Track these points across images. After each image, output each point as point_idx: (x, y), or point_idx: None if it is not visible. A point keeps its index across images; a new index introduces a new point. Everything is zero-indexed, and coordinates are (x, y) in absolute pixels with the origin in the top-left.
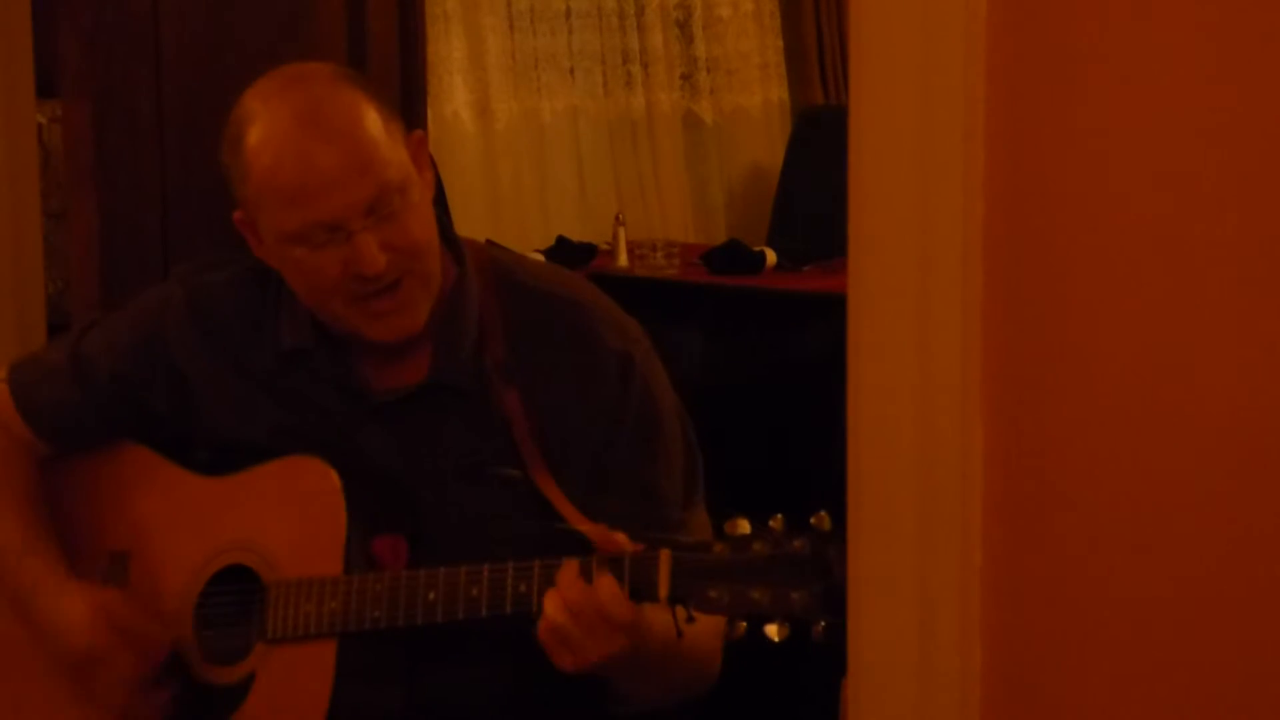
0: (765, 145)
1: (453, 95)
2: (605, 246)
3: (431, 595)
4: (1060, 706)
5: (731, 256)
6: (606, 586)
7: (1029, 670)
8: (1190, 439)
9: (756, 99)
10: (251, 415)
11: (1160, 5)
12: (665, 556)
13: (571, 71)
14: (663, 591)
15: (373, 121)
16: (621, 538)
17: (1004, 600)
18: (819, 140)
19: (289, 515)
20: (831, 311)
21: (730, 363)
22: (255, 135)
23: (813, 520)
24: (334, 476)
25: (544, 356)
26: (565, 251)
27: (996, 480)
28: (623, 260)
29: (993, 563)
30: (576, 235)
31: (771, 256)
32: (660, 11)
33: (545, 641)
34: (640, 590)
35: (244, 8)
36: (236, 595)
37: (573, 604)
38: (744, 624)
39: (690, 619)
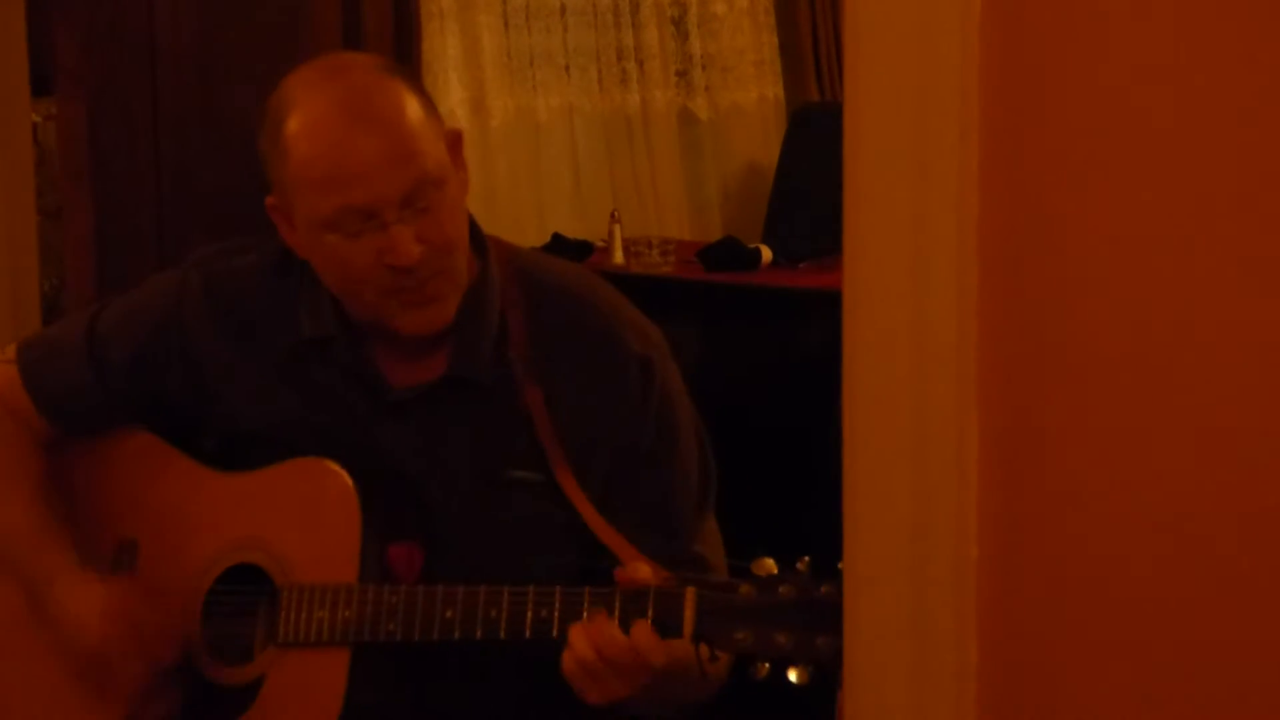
0: (760, 142)
1: (448, 93)
2: (601, 244)
3: (449, 613)
4: (1057, 703)
5: (727, 253)
6: (643, 635)
7: (1025, 666)
8: (1188, 432)
9: (752, 96)
10: (267, 404)
11: (1157, 2)
12: (691, 595)
13: (567, 69)
14: (687, 630)
15: (415, 113)
16: (646, 569)
17: (1000, 595)
18: (814, 137)
19: (303, 518)
20: (827, 308)
21: (726, 360)
22: (296, 120)
23: (840, 565)
24: (349, 483)
25: (566, 355)
26: (561, 249)
27: (992, 475)
28: (618, 257)
29: (988, 558)
30: (572, 232)
31: (767, 253)
32: (655, 8)
33: (571, 676)
34: (665, 626)
35: (239, 6)
36: (246, 594)
37: (606, 649)
38: (767, 665)
39: (714, 658)
